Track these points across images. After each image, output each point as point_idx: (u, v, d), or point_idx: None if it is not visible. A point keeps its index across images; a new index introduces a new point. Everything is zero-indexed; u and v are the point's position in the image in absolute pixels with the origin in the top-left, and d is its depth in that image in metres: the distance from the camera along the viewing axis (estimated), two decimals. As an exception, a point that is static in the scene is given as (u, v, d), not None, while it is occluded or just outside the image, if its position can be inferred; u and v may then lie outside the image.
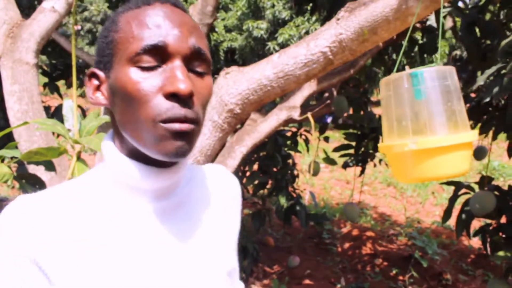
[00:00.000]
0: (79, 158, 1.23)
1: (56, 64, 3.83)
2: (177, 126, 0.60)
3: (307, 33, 11.01)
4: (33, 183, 1.41)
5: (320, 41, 1.16)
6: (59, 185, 0.69)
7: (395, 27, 1.10)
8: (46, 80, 3.79)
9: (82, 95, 6.53)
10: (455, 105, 0.95)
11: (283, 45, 11.26)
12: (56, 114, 3.45)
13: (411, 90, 0.97)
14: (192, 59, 0.64)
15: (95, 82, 0.69)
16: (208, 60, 0.66)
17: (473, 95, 2.73)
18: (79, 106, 3.64)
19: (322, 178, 8.01)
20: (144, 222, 0.68)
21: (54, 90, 3.77)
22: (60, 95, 3.83)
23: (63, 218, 0.64)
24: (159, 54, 0.61)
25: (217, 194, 0.82)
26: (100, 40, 0.68)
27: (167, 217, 0.71)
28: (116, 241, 0.66)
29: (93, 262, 0.64)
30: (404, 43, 1.06)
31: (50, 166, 1.35)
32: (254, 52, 12.52)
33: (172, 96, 0.60)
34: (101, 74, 0.68)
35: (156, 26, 0.62)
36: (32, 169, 1.62)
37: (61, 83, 3.97)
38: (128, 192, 0.69)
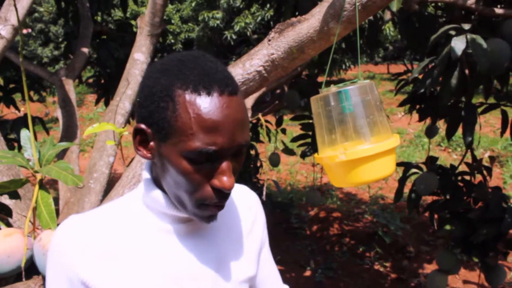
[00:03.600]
0: (41, 186, 1.30)
1: (9, 77, 3.80)
2: (214, 211, 0.75)
3: (262, 20, 11.07)
4: (-1, 210, 1.48)
5: (254, 61, 1.26)
6: (102, 206, 0.84)
7: (320, 46, 1.21)
8: (0, 94, 3.76)
9: (40, 101, 6.40)
10: (376, 117, 1.08)
11: (240, 34, 11.31)
12: (14, 128, 3.44)
13: (338, 106, 1.09)
14: (239, 150, 0.73)
15: (141, 136, 0.76)
16: (248, 143, 0.75)
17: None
18: (37, 117, 3.64)
19: (288, 163, 8.18)
20: (167, 240, 0.81)
21: (9, 104, 3.75)
22: (17, 108, 3.81)
23: (102, 238, 0.78)
24: (211, 155, 0.70)
25: (239, 213, 0.95)
26: (149, 100, 0.72)
27: (188, 236, 0.83)
28: (146, 258, 0.79)
29: (124, 274, 0.77)
30: (328, 63, 1.18)
31: (14, 195, 1.42)
32: (212, 42, 12.52)
33: (219, 190, 0.73)
34: (148, 131, 0.74)
35: (213, 129, 0.68)
36: (-4, 194, 1.67)
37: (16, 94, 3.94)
38: (159, 216, 0.82)
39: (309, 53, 1.23)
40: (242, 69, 1.27)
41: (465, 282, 4.02)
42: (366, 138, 1.07)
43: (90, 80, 4.59)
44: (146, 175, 0.83)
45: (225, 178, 0.71)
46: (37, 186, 1.27)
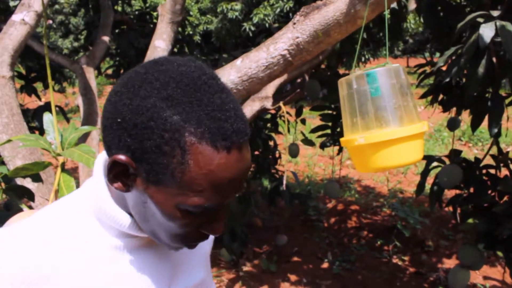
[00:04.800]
0: (63, 169, 1.30)
1: (31, 66, 3.84)
2: (192, 246, 0.69)
3: (281, 11, 11.00)
4: (22, 194, 1.49)
5: (279, 44, 1.24)
6: (34, 218, 0.69)
7: (346, 29, 1.18)
8: (22, 82, 3.81)
9: (60, 91, 6.46)
10: (400, 101, 1.05)
11: (258, 26, 11.24)
12: (36, 116, 3.48)
13: (364, 89, 1.06)
14: None
15: (120, 168, 0.61)
16: None
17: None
18: (58, 106, 3.68)
19: (306, 155, 8.14)
20: (122, 257, 0.71)
21: (31, 92, 3.80)
22: (38, 97, 3.85)
23: (39, 261, 0.64)
24: (212, 208, 0.63)
25: None
26: (143, 133, 0.57)
27: (143, 249, 0.74)
28: (95, 279, 0.68)
29: None
30: (358, 47, 1.15)
31: (36, 178, 1.43)
32: (231, 34, 12.47)
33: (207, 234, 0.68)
34: (133, 165, 0.60)
35: (224, 186, 0.60)
36: (19, 179, 1.68)
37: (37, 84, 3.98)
38: (109, 230, 0.71)
39: (335, 36, 1.20)
40: (266, 53, 1.25)
41: (486, 278, 3.95)
42: (389, 123, 1.05)
43: (109, 71, 4.61)
44: (103, 189, 0.70)
45: (217, 226, 0.66)
46: (59, 169, 1.27)
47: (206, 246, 0.91)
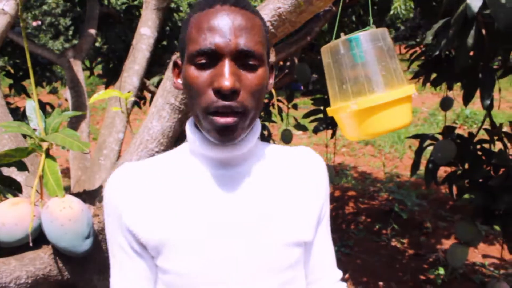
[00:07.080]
0: (48, 155, 1.27)
1: (19, 64, 3.79)
2: (222, 120, 0.73)
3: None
4: (8, 185, 1.45)
5: (261, 17, 1.21)
6: (155, 156, 0.90)
7: (329, -4, 1.16)
8: (11, 81, 3.76)
9: (53, 92, 6.41)
10: (389, 64, 1.03)
11: (248, 17, 11.20)
12: (26, 114, 3.43)
13: (348, 55, 1.04)
14: (242, 57, 0.74)
15: (177, 69, 0.86)
16: (258, 55, 0.76)
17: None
18: (49, 104, 3.65)
19: (301, 144, 8.11)
20: (210, 185, 0.83)
21: (20, 91, 3.75)
22: (28, 95, 3.80)
23: (148, 186, 0.83)
24: (211, 55, 0.73)
25: (294, 172, 0.90)
26: (180, 34, 0.82)
27: (231, 183, 0.84)
28: (186, 199, 0.82)
29: (166, 215, 0.81)
30: (338, 14, 1.12)
31: (21, 166, 1.40)
32: (221, 27, 12.42)
33: (218, 92, 0.72)
34: (180, 63, 0.84)
35: (210, 31, 0.74)
36: (6, 171, 1.65)
37: (27, 82, 3.92)
38: (201, 160, 0.85)
39: (318, 4, 1.17)
40: (248, 26, 1.22)
41: (485, 256, 3.95)
42: (379, 87, 1.02)
43: (101, 72, 4.55)
44: (190, 120, 0.88)
45: (222, 78, 0.72)
46: (43, 155, 1.24)
47: (316, 209, 0.90)
